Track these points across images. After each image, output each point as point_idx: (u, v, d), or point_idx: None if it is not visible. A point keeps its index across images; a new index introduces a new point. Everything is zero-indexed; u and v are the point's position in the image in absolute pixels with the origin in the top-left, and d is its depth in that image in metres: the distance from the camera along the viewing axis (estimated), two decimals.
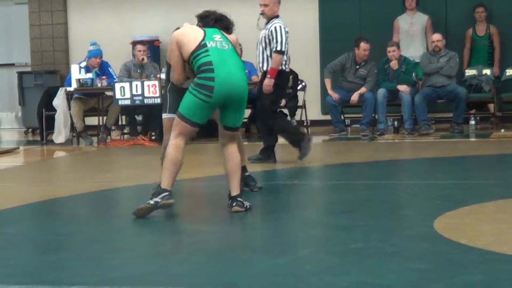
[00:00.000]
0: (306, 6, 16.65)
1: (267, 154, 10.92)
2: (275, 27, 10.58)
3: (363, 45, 14.55)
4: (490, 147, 12.66)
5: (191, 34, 7.23)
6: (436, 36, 14.68)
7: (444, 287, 4.85)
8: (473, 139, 13.88)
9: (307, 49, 16.38)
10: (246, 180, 8.39)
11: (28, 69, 18.09)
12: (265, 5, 10.46)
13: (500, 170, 10.49)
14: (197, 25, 7.48)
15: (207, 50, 7.11)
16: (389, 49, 14.61)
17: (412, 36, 15.49)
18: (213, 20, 7.48)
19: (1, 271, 5.64)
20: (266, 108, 10.76)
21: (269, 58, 10.67)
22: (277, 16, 10.70)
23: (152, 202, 6.94)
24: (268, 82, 10.55)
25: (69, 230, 7.23)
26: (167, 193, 6.94)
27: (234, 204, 7.24)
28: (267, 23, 10.76)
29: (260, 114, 11.06)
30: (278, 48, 10.53)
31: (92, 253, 6.23)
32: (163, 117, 8.22)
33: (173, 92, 8.04)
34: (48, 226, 7.51)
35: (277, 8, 10.73)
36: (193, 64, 7.15)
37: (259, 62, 10.85)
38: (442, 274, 5.14)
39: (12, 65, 18.63)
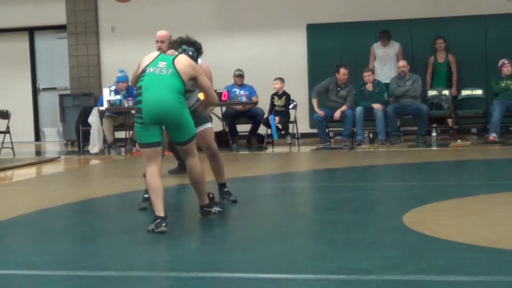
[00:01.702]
0: (296, 36, 16.63)
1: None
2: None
3: (342, 70, 14.60)
4: (449, 154, 12.63)
5: (145, 60, 6.79)
6: (402, 63, 14.73)
7: (412, 271, 4.83)
8: (434, 148, 13.85)
9: (297, 73, 16.38)
10: (223, 195, 7.91)
11: (68, 92, 18.09)
12: (162, 42, 9.54)
13: (457, 174, 10.48)
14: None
15: (143, 76, 6.64)
16: (365, 74, 14.64)
17: (386, 62, 15.50)
18: (179, 43, 7.11)
19: (46, 259, 5.62)
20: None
21: None
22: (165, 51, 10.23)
23: (149, 228, 6.36)
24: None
25: (102, 225, 7.22)
26: (158, 220, 6.35)
27: (200, 212, 6.98)
28: None
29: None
30: None
31: (120, 243, 6.21)
32: None
33: None
34: (84, 221, 7.50)
35: None
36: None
37: None
38: (410, 260, 5.13)
39: (55, 89, 18.62)
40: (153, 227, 6.32)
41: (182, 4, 17.25)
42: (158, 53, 6.85)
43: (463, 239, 5.72)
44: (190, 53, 7.02)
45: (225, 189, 7.92)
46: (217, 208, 7.02)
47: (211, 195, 7.46)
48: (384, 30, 15.48)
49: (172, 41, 7.21)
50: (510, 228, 6.25)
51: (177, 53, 6.87)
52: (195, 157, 6.77)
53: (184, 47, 7.02)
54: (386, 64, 15.45)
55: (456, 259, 5.11)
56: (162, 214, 6.37)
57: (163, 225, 6.29)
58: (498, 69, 14.27)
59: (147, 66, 6.68)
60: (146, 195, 7.66)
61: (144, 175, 7.57)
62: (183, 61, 6.71)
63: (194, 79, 6.80)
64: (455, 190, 8.40)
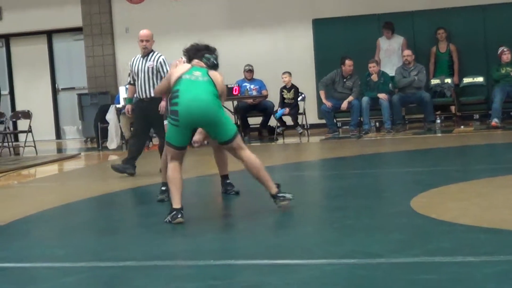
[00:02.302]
0: (303, 31, 16.59)
1: (131, 163, 10.05)
2: (163, 59, 9.77)
3: (347, 62, 14.58)
4: (452, 140, 12.61)
5: (178, 71, 6.68)
6: (407, 52, 14.69)
7: (420, 253, 4.83)
8: (439, 135, 13.82)
9: (304, 67, 16.35)
10: (226, 187, 7.89)
11: (86, 91, 18.12)
12: (147, 41, 9.78)
13: (461, 159, 10.46)
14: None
15: (180, 82, 6.55)
16: (370, 65, 14.62)
17: (390, 55, 15.45)
18: (199, 51, 6.90)
19: (69, 251, 5.65)
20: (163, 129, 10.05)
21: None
22: (152, 50, 9.96)
23: (167, 220, 6.35)
24: (164, 103, 9.40)
25: (121, 217, 7.25)
26: (174, 212, 6.30)
27: (277, 200, 6.57)
28: (147, 55, 9.84)
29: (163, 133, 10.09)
30: None
31: (139, 235, 6.24)
32: (165, 123, 7.63)
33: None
34: (105, 214, 7.53)
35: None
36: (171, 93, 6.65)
37: (144, 90, 9.74)
38: (418, 242, 5.13)
39: (73, 88, 18.64)
40: (170, 219, 6.31)
41: (192, 3, 17.24)
42: (189, 65, 6.75)
43: (468, 221, 5.71)
44: (214, 61, 6.89)
45: (228, 181, 7.89)
46: (290, 194, 6.66)
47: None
48: (387, 22, 15.44)
49: (189, 49, 6.96)
50: None
51: (202, 63, 6.78)
52: (246, 150, 6.67)
53: (207, 55, 6.87)
54: (390, 57, 15.40)
55: (461, 241, 5.11)
56: (178, 206, 6.36)
57: (179, 216, 6.30)
58: (497, 57, 14.22)
59: (182, 74, 6.61)
60: (163, 188, 7.68)
61: (161, 170, 7.60)
62: (217, 76, 6.70)
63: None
64: (459, 174, 8.38)
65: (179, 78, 6.59)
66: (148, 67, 9.76)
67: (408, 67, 14.52)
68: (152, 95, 9.68)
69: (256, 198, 7.62)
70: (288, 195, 6.61)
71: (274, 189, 6.60)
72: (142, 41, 9.87)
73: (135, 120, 10.34)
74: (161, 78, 9.59)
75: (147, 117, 9.78)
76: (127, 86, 10.43)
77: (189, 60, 6.86)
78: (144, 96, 9.78)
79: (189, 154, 8.39)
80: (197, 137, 7.37)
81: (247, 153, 6.64)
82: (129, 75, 10.20)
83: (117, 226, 6.71)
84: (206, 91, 6.51)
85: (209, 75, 6.65)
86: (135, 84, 9.90)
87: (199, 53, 6.85)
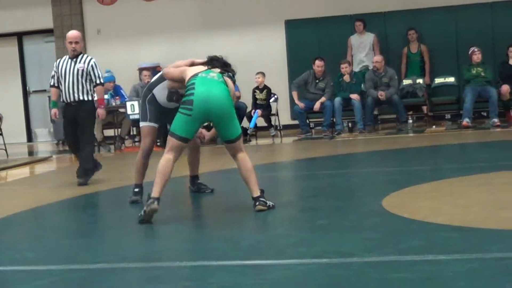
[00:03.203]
0: (275, 32, 16.60)
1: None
2: (94, 63, 9.51)
3: (317, 62, 14.62)
4: (424, 140, 12.69)
5: (195, 69, 6.86)
6: (377, 58, 14.72)
7: (392, 251, 4.87)
8: (411, 135, 13.90)
9: (277, 67, 16.37)
10: (199, 186, 7.96)
11: None
12: (76, 42, 9.44)
13: (433, 158, 10.53)
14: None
15: (196, 78, 6.68)
16: (342, 65, 14.69)
17: (361, 50, 15.52)
18: (219, 64, 6.98)
19: (41, 254, 5.63)
20: (91, 134, 9.79)
21: (88, 90, 9.48)
22: (81, 52, 9.63)
23: (142, 212, 6.39)
24: (103, 111, 9.70)
25: (93, 220, 7.23)
26: (151, 199, 6.34)
27: (257, 203, 6.60)
28: (76, 58, 9.50)
29: (89, 138, 9.68)
30: (102, 81, 9.61)
31: (112, 237, 6.23)
32: (142, 125, 7.64)
33: (152, 103, 7.51)
34: (78, 217, 7.51)
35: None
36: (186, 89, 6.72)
37: (72, 93, 9.41)
38: (390, 241, 5.17)
39: (44, 91, 18.49)
40: (145, 208, 6.34)
41: (164, 5, 17.20)
42: (204, 68, 6.87)
43: (440, 220, 5.76)
44: (234, 79, 7.06)
45: (198, 181, 7.96)
46: (272, 203, 6.70)
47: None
48: (359, 18, 15.53)
49: (218, 59, 7.05)
50: (483, 208, 6.29)
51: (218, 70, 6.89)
52: (244, 152, 6.77)
53: (230, 74, 6.99)
54: (361, 52, 15.49)
55: (433, 239, 5.15)
56: (157, 195, 6.38)
57: (155, 203, 6.32)
58: (468, 57, 14.33)
59: (198, 73, 6.75)
60: (136, 189, 7.67)
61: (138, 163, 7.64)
62: (230, 82, 6.85)
63: None
64: (431, 174, 8.44)
65: (195, 75, 6.72)
66: (78, 70, 9.43)
67: (378, 73, 14.59)
68: (82, 98, 9.40)
69: (229, 199, 7.64)
70: (269, 203, 6.65)
71: (257, 193, 6.65)
72: (71, 43, 9.51)
73: (64, 126, 9.81)
74: (90, 81, 9.44)
75: (75, 122, 9.47)
76: (50, 88, 9.92)
77: (211, 66, 6.94)
78: (71, 100, 9.45)
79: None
80: (209, 133, 7.53)
81: (244, 155, 6.74)
82: (52, 77, 9.72)
83: (89, 229, 6.70)
84: (221, 88, 6.66)
85: (224, 79, 6.79)
86: (59, 87, 9.55)
87: (226, 68, 6.99)
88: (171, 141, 6.62)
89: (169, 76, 7.14)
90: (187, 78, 6.77)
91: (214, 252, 5.30)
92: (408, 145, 11.96)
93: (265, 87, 15.09)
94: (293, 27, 16.44)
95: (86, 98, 9.46)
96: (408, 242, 5.11)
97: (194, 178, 7.97)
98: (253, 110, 14.87)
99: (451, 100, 15.03)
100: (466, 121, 13.64)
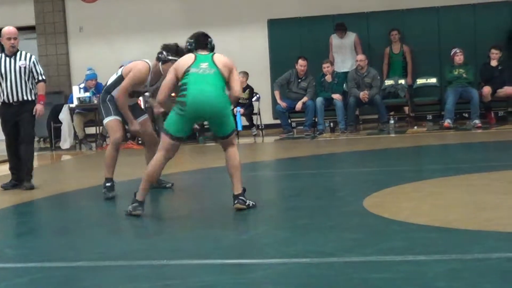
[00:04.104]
0: (258, 32, 16.60)
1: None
2: (35, 59, 9.17)
3: (300, 61, 14.63)
4: (406, 141, 12.72)
5: (183, 63, 6.71)
6: (360, 57, 14.73)
7: (373, 251, 4.89)
8: (392, 135, 13.94)
9: (260, 67, 16.35)
10: (160, 182, 7.96)
11: None
12: (15, 38, 8.99)
13: (414, 159, 10.58)
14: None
15: (187, 75, 6.57)
16: (324, 65, 14.71)
17: (342, 52, 15.53)
18: (194, 43, 6.92)
19: (21, 252, 5.62)
20: (33, 133, 9.33)
21: (31, 89, 9.06)
22: (18, 49, 9.14)
23: (127, 210, 6.54)
24: (41, 107, 9.15)
25: (75, 218, 7.20)
26: (137, 203, 6.51)
27: (236, 201, 6.57)
28: (15, 55, 9.06)
29: (31, 138, 9.32)
30: (44, 78, 9.21)
31: (93, 235, 6.21)
32: (107, 120, 7.80)
33: (112, 101, 7.81)
34: (58, 215, 7.49)
35: None
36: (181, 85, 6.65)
37: (15, 93, 8.97)
38: (371, 242, 5.18)
39: None
40: (131, 209, 6.49)
41: (147, 3, 17.16)
42: (193, 56, 6.75)
43: (421, 220, 5.78)
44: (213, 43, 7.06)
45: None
46: (252, 202, 6.69)
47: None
48: (339, 23, 15.53)
49: (196, 41, 6.97)
50: (464, 209, 6.32)
51: (206, 51, 6.83)
52: (235, 147, 6.76)
53: (210, 40, 7.03)
54: (343, 54, 15.51)
55: (414, 240, 5.17)
56: (141, 199, 6.54)
57: (140, 209, 6.49)
58: (450, 58, 14.39)
59: (189, 67, 6.64)
60: (108, 184, 7.75)
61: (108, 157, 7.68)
62: (221, 58, 6.77)
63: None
64: (412, 174, 8.46)
65: (187, 72, 6.61)
66: (20, 67, 8.99)
67: (361, 72, 14.61)
68: (25, 98, 9.01)
69: (210, 198, 7.65)
70: (249, 202, 6.63)
71: (239, 190, 6.61)
72: (9, 39, 9.00)
73: (4, 128, 9.30)
74: (33, 78, 9.08)
75: (16, 123, 9.09)
76: None
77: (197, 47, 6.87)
78: (14, 100, 8.99)
79: (143, 153, 8.38)
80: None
81: (234, 150, 6.73)
82: None
83: (70, 227, 6.67)
84: (215, 85, 6.58)
85: (214, 63, 6.67)
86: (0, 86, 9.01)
87: (207, 40, 6.96)
88: (164, 140, 6.60)
89: (165, 92, 6.77)
90: (180, 77, 6.67)
91: (195, 251, 5.30)
92: (390, 146, 11.99)
93: (248, 86, 15.08)
94: (275, 26, 16.43)
95: (29, 98, 9.05)
96: (389, 242, 5.13)
97: None
98: (235, 109, 14.85)
99: (433, 101, 15.08)
100: (447, 122, 13.70)
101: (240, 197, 6.59)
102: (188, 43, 6.98)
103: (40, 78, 9.15)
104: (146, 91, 8.14)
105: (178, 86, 6.70)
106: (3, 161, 12.26)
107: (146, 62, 7.85)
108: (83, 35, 17.66)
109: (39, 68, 9.18)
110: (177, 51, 7.56)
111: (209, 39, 6.99)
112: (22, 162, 9.13)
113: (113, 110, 7.82)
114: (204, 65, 6.64)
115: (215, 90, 6.56)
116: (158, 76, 7.76)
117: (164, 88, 6.77)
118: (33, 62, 9.11)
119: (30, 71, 9.06)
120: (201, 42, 6.93)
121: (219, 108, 6.56)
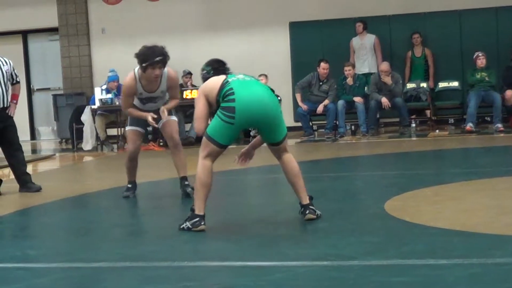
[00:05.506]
0: (279, 34, 16.63)
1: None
2: (11, 62, 9.09)
3: (322, 64, 14.63)
4: (427, 144, 12.67)
5: (212, 82, 6.04)
6: (384, 68, 14.46)
7: (393, 255, 4.86)
8: (414, 139, 13.89)
9: (281, 69, 16.36)
10: (186, 188, 7.71)
11: (61, 92, 18.04)
12: None
13: (436, 163, 10.52)
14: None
15: (228, 83, 5.91)
16: (346, 68, 14.69)
17: (363, 53, 15.52)
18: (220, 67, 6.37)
19: (42, 252, 5.63)
20: (17, 136, 9.08)
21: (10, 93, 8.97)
22: None
23: (185, 227, 5.92)
24: (14, 106, 8.95)
25: (96, 218, 7.22)
26: (198, 218, 5.89)
27: (307, 212, 6.12)
28: None
29: (19, 144, 9.14)
30: (19, 80, 9.14)
31: (114, 235, 6.22)
32: (126, 129, 8.02)
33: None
34: (79, 215, 7.50)
35: None
36: (220, 99, 5.92)
37: (2, 98, 8.83)
38: (392, 245, 5.15)
39: (48, 89, 18.56)
40: (190, 226, 5.91)
41: (169, 5, 17.22)
42: (221, 75, 6.11)
43: (442, 224, 5.74)
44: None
45: (186, 182, 7.74)
46: (319, 211, 6.23)
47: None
48: (360, 20, 15.52)
49: (212, 63, 6.44)
50: (485, 213, 6.27)
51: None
52: (289, 152, 6.27)
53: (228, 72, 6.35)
54: (363, 55, 15.49)
55: (435, 243, 5.13)
56: (202, 212, 5.95)
57: (202, 223, 5.91)
58: (473, 62, 14.31)
59: (224, 80, 5.97)
60: (129, 185, 7.80)
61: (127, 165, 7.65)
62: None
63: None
64: (433, 178, 8.42)
65: (225, 85, 5.95)
66: (6, 72, 8.91)
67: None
68: (9, 103, 8.88)
69: (229, 200, 7.63)
70: (318, 212, 6.24)
71: (307, 200, 6.25)
72: None
73: None
74: (10, 82, 8.98)
75: (3, 129, 8.91)
76: None
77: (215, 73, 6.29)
78: (2, 106, 8.84)
79: (164, 155, 8.36)
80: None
81: (290, 156, 6.28)
82: None
83: (90, 227, 6.68)
84: (263, 86, 6.13)
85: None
86: None
87: (223, 67, 6.39)
88: (209, 147, 5.93)
89: (203, 122, 6.08)
90: (214, 96, 5.99)
91: (214, 252, 5.29)
92: (411, 149, 11.94)
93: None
94: (297, 29, 16.43)
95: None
96: (410, 246, 5.09)
97: (181, 179, 7.82)
98: None
99: (455, 105, 15.03)
100: (469, 125, 13.62)
101: (311, 207, 6.22)
102: (205, 71, 6.42)
103: (17, 79, 9.15)
104: (161, 96, 7.92)
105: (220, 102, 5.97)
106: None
107: (133, 71, 7.82)
108: (106, 36, 17.73)
109: (16, 70, 9.20)
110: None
111: (227, 65, 6.41)
112: (15, 168, 9.10)
113: (130, 120, 7.90)
114: (239, 76, 6.06)
115: (266, 89, 6.08)
116: (153, 82, 7.68)
117: (199, 119, 6.08)
118: (13, 67, 9.14)
119: (11, 75, 9.04)
120: (219, 70, 6.34)
121: (274, 113, 6.00)
